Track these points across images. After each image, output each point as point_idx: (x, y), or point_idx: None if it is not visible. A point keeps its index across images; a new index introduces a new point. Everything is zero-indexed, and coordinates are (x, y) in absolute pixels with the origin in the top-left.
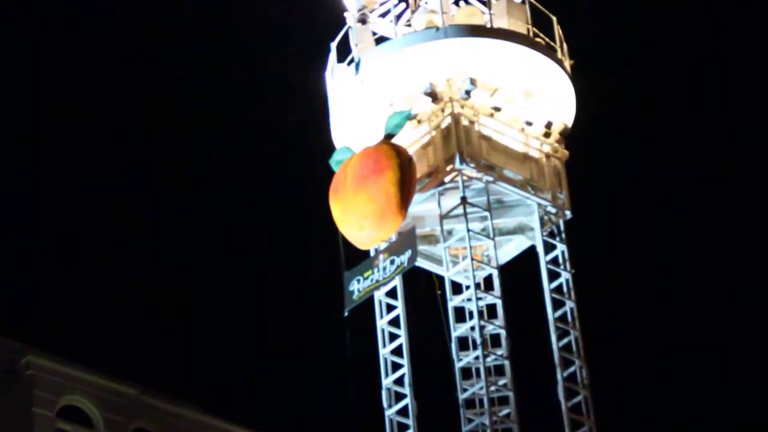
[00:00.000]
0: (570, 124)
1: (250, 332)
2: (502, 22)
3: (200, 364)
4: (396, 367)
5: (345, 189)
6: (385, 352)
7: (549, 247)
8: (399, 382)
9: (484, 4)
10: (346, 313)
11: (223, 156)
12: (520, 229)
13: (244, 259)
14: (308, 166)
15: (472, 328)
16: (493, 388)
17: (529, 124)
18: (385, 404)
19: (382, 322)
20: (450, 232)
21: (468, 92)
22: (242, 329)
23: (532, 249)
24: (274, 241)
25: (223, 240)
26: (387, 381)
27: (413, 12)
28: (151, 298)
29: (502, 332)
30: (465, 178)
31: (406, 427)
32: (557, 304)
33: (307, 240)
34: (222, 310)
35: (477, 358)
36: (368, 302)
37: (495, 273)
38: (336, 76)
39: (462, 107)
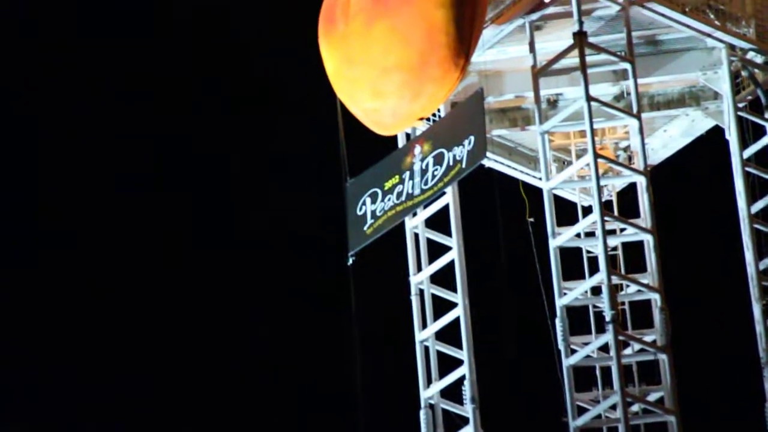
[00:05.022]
0: None
1: None
2: None
3: None
4: (447, 364)
5: (349, 18)
6: (424, 336)
7: (751, 134)
8: (452, 393)
9: None
10: (350, 260)
11: None
12: (691, 98)
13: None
14: None
15: (595, 291)
16: (635, 407)
17: None
18: None
19: (418, 279)
20: (554, 102)
21: None
22: None
23: (715, 136)
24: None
25: None
26: (428, 392)
27: None
28: None
29: (655, 298)
30: None
31: None
32: (767, 245)
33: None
34: None
35: (605, 349)
36: (394, 235)
37: (642, 182)
38: None
39: None
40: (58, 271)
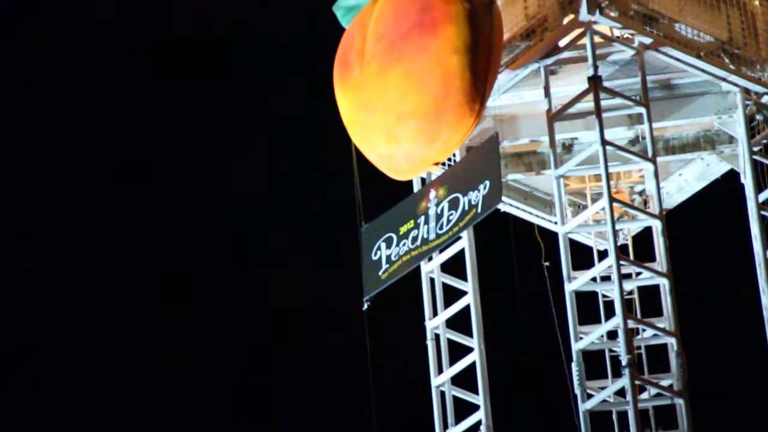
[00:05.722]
0: None
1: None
2: None
3: None
4: (463, 409)
5: (364, 63)
6: (440, 381)
7: (766, 178)
8: None
9: None
10: (365, 305)
11: None
12: (706, 142)
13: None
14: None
15: (611, 335)
16: None
17: None
18: None
19: (433, 324)
20: (569, 147)
21: None
22: None
23: (730, 179)
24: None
25: None
26: None
27: None
28: None
29: (672, 342)
30: (599, 40)
31: None
32: None
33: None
34: None
35: (622, 394)
36: (409, 280)
37: (658, 226)
38: None
39: None
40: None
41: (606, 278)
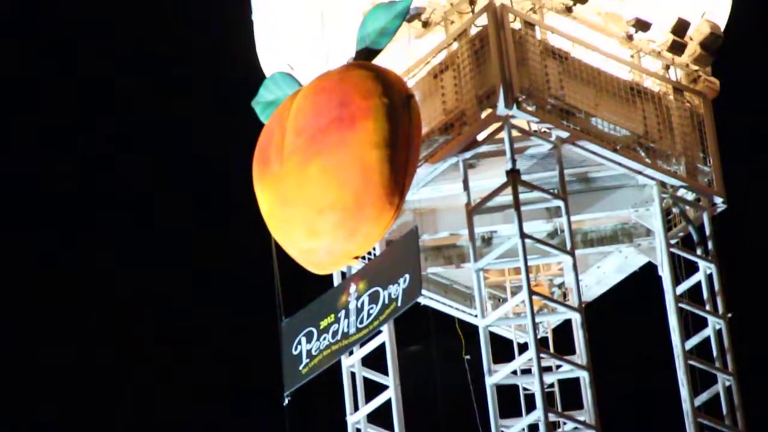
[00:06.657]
0: (722, 25)
1: None
2: None
3: None
4: None
5: (283, 158)
6: None
7: (683, 271)
8: None
9: None
10: (285, 400)
11: None
12: (624, 235)
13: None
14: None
15: (532, 428)
16: None
17: (641, 27)
18: None
19: (354, 419)
20: (488, 240)
21: None
22: None
23: (648, 272)
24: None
25: None
26: None
27: None
28: None
29: None
30: (517, 134)
31: None
32: (702, 381)
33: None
34: None
35: None
36: (330, 374)
37: (577, 319)
38: None
39: None
40: None
41: (527, 371)
